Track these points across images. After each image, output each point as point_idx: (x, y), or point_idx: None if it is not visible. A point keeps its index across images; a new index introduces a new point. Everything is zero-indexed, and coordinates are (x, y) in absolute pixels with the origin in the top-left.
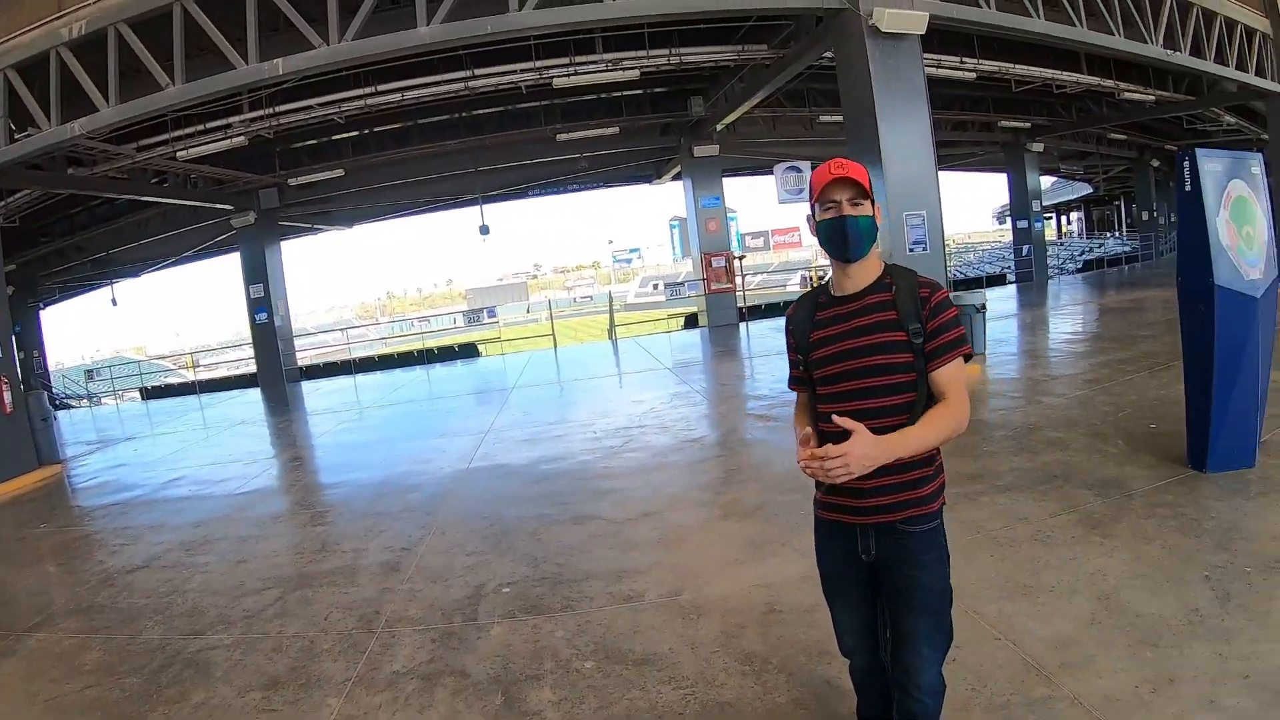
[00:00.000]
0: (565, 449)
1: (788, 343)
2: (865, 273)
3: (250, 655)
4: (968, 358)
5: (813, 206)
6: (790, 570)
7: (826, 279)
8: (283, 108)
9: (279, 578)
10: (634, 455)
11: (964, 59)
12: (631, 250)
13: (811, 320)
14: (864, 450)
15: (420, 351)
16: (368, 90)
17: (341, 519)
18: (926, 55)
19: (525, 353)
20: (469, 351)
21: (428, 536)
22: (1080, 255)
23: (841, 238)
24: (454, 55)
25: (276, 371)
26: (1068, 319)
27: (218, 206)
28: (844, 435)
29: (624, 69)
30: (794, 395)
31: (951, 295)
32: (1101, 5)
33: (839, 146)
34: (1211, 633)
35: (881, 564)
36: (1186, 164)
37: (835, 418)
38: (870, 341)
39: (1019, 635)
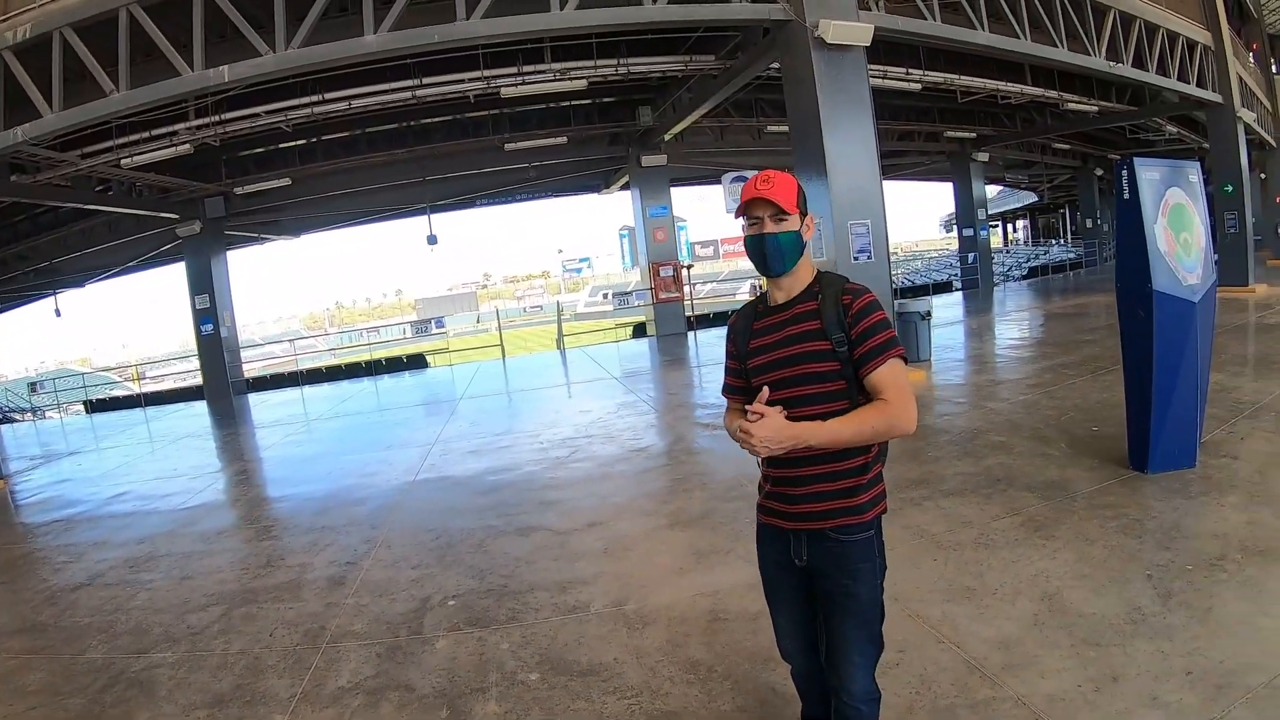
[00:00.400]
0: (512, 460)
1: (728, 350)
2: (795, 283)
3: (195, 673)
4: (906, 360)
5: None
6: (735, 578)
7: (767, 289)
8: (229, 115)
9: (224, 594)
10: (580, 465)
11: (910, 70)
12: (582, 260)
13: (750, 329)
14: (770, 431)
15: (368, 363)
16: (314, 99)
17: (287, 533)
18: (873, 66)
19: (474, 363)
20: (417, 362)
21: (373, 550)
22: (1025, 262)
23: (760, 255)
24: (402, 64)
25: (223, 384)
26: (1012, 325)
27: (163, 215)
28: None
29: (571, 79)
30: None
31: (897, 303)
32: (1046, 18)
33: (786, 156)
34: (1154, 630)
35: (814, 570)
36: (1125, 173)
37: (752, 407)
38: (798, 350)
39: (963, 637)
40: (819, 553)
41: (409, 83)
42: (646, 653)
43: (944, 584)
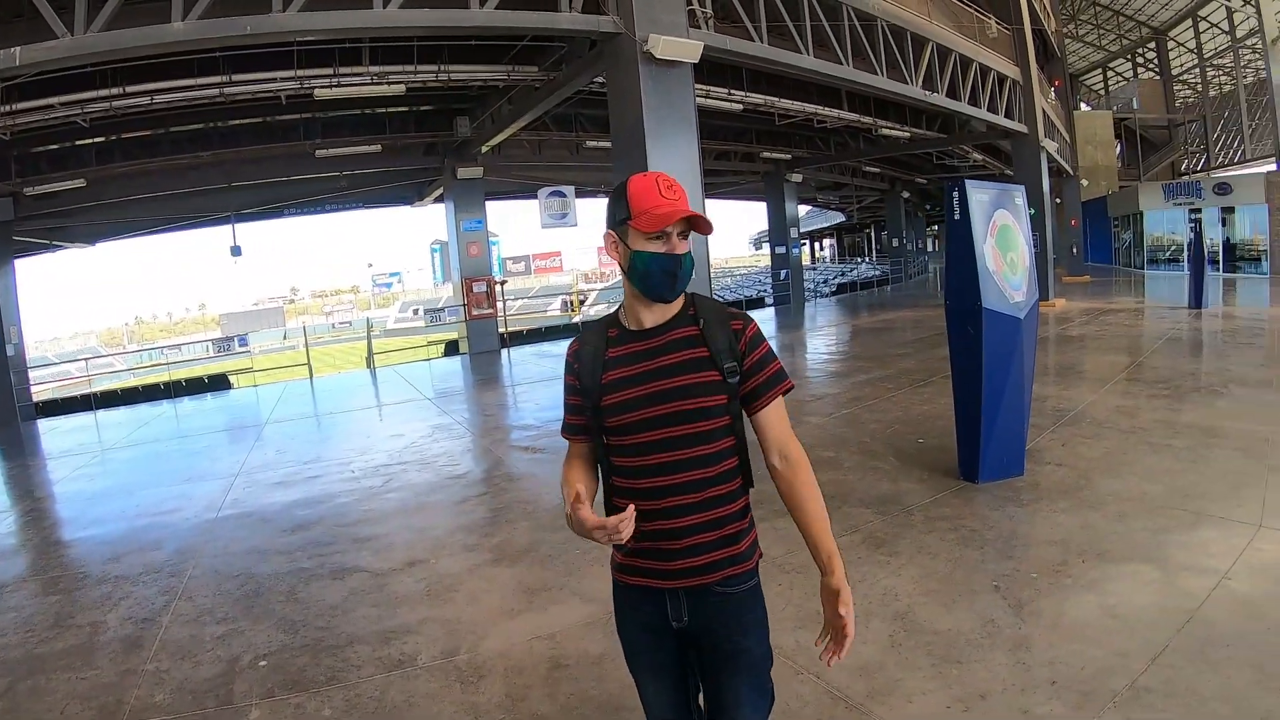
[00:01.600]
0: (322, 491)
1: (569, 384)
2: (669, 305)
3: None
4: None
5: (621, 224)
6: (571, 616)
7: (616, 308)
8: (20, 105)
9: (6, 663)
10: (395, 495)
11: (732, 91)
12: (392, 274)
13: (602, 358)
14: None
15: (167, 384)
16: (115, 91)
17: (77, 585)
18: (697, 85)
19: (280, 383)
20: (220, 383)
21: (173, 602)
22: (834, 279)
23: (670, 279)
24: (211, 58)
25: (9, 408)
26: (826, 339)
27: None
28: (647, 492)
29: (390, 83)
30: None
31: None
32: (868, 46)
33: (605, 172)
34: (1011, 642)
35: (697, 630)
36: (956, 194)
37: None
38: (680, 383)
39: (821, 666)
40: (703, 610)
41: (217, 79)
42: (485, 711)
43: (793, 610)
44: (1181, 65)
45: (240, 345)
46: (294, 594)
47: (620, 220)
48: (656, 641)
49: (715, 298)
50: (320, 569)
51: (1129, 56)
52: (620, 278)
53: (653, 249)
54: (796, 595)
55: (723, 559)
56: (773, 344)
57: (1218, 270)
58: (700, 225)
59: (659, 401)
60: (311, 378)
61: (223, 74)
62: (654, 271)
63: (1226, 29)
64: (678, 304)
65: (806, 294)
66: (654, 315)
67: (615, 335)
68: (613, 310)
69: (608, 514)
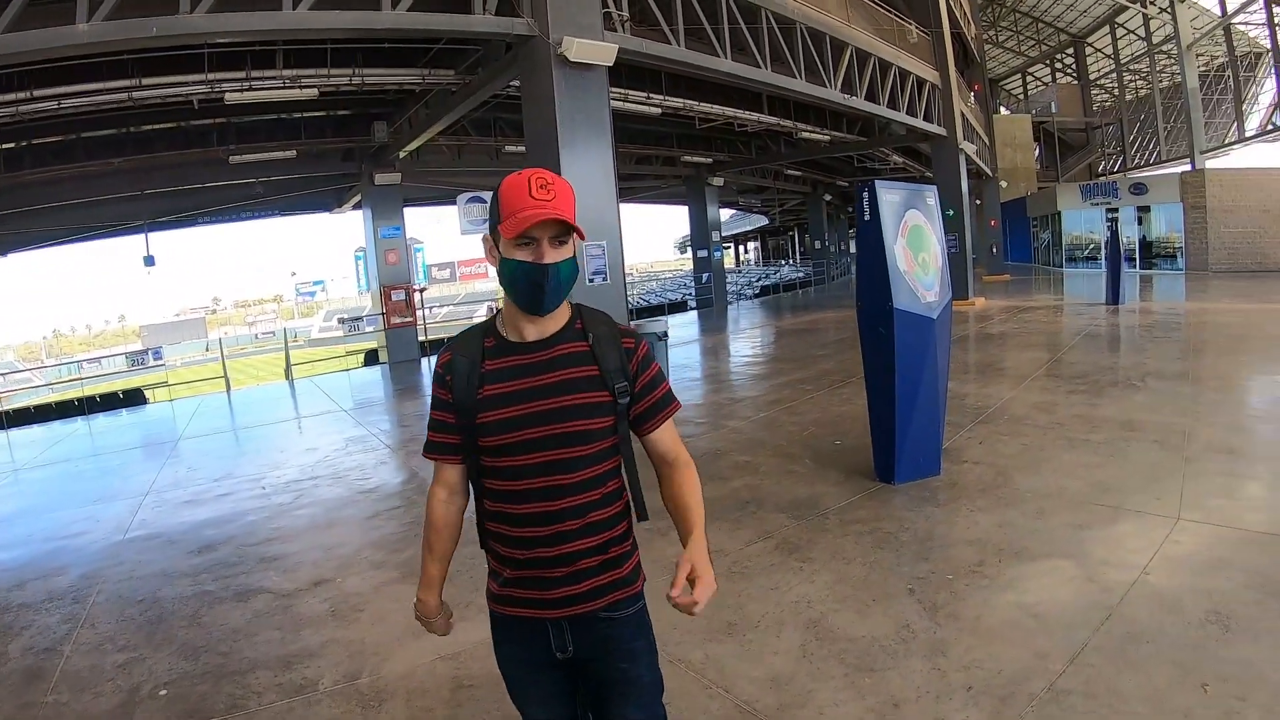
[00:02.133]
0: (231, 509)
1: (438, 398)
2: (554, 317)
3: None
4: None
5: (495, 230)
6: (476, 634)
7: (495, 315)
8: None
9: None
10: (305, 512)
11: (651, 95)
12: (316, 283)
13: (479, 372)
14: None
15: (81, 400)
16: (22, 95)
17: None
18: (615, 89)
19: (197, 397)
20: (135, 398)
21: (75, 630)
22: (757, 281)
23: (537, 289)
24: (121, 61)
25: None
26: (748, 342)
27: None
28: (525, 518)
29: (302, 86)
30: None
31: (633, 324)
32: (787, 51)
33: None
34: (926, 647)
35: (583, 660)
36: (866, 195)
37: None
38: (567, 403)
39: (731, 680)
40: (588, 639)
41: (125, 82)
42: None
43: (702, 622)
44: (1099, 70)
45: (155, 359)
46: (197, 618)
47: (493, 224)
48: (541, 676)
49: (601, 310)
50: (225, 591)
51: (1048, 62)
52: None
53: (519, 256)
54: (707, 607)
55: (607, 583)
56: (694, 348)
57: (1134, 267)
58: (568, 216)
59: (542, 422)
60: (229, 391)
61: (132, 77)
62: (519, 281)
63: (1143, 35)
64: (563, 316)
65: (730, 297)
66: (536, 328)
67: (492, 346)
68: (488, 317)
69: (482, 541)
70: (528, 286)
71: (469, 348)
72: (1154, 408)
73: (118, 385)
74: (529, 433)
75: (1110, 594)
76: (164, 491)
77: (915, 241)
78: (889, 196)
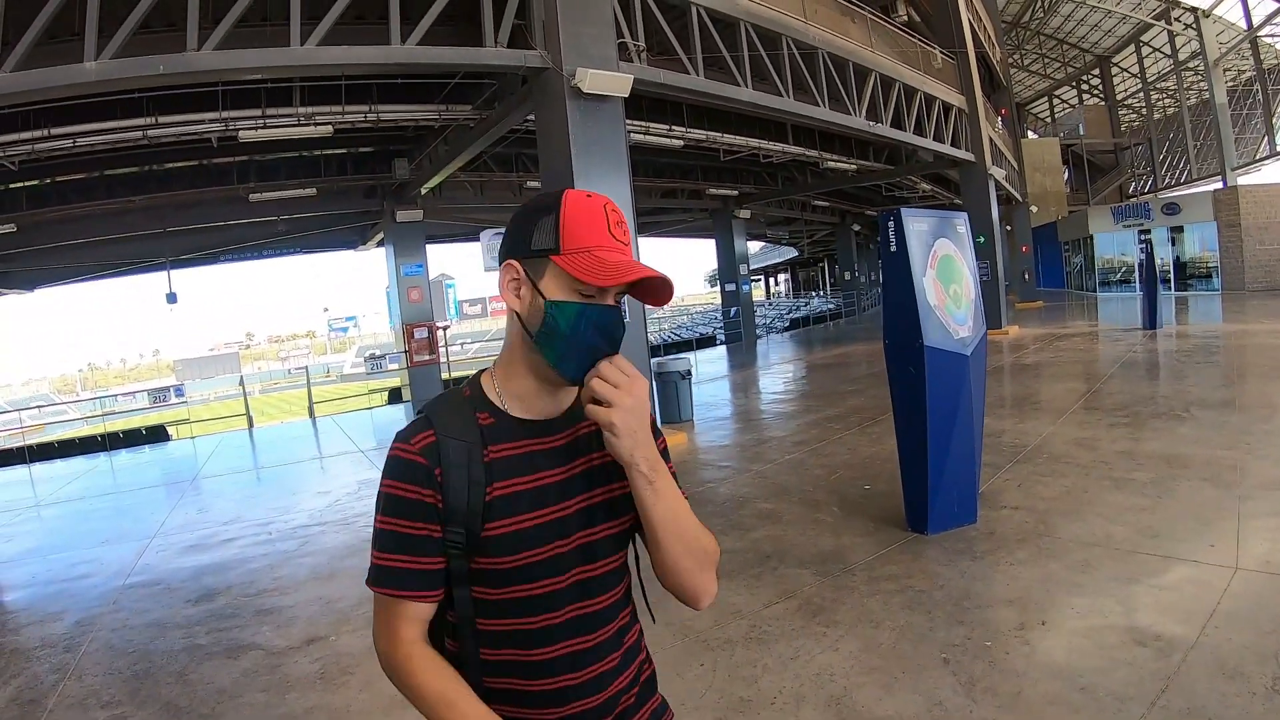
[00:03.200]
0: (235, 555)
1: (407, 501)
2: (570, 389)
3: None
4: None
5: (537, 256)
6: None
7: (474, 380)
8: None
9: None
10: (308, 560)
11: (673, 127)
12: (349, 318)
13: (481, 463)
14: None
15: (104, 435)
16: (40, 134)
17: None
18: (636, 122)
19: (219, 435)
20: (158, 435)
21: (63, 681)
22: (787, 314)
23: (611, 345)
24: (135, 99)
25: None
26: (776, 378)
27: None
28: (549, 666)
29: (317, 124)
30: None
31: (655, 362)
32: (809, 79)
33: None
34: None
35: None
36: (891, 224)
37: None
38: (599, 500)
39: None
40: None
41: (140, 121)
42: None
43: (715, 695)
44: (1126, 90)
45: (177, 395)
46: (185, 675)
47: (537, 250)
48: None
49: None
50: (216, 646)
51: (1074, 83)
52: (517, 332)
53: (595, 302)
54: (720, 678)
55: (648, 717)
56: (722, 385)
57: (1169, 289)
58: (657, 291)
59: (570, 530)
60: (251, 429)
61: (148, 115)
62: (584, 332)
63: (1169, 53)
64: (573, 389)
65: (759, 330)
66: (558, 400)
67: (492, 425)
68: (463, 384)
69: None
70: (595, 339)
71: (460, 427)
72: (1201, 440)
73: (138, 422)
74: (558, 547)
75: (1166, 660)
76: (171, 534)
77: (945, 272)
78: (916, 225)
